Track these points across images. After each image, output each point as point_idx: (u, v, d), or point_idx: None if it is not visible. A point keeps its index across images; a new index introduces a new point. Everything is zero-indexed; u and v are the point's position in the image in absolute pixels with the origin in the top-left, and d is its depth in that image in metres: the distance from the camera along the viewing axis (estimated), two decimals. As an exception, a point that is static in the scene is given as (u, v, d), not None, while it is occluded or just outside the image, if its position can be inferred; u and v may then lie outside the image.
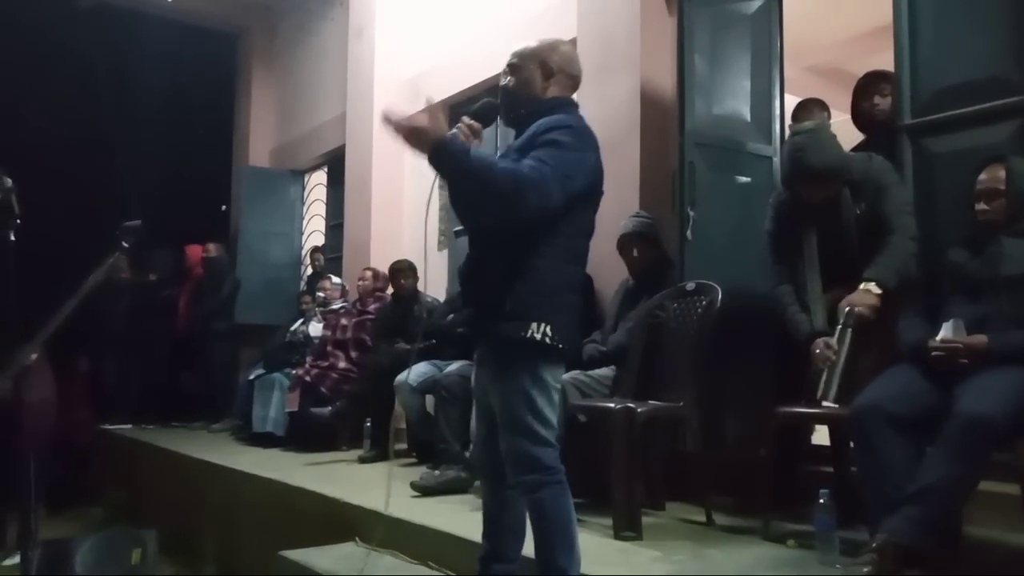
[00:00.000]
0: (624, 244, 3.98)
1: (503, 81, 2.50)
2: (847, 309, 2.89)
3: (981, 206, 2.71)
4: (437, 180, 2.35)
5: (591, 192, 2.38)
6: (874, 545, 2.34)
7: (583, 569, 2.35)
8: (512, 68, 2.48)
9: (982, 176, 2.73)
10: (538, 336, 2.24)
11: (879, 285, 2.91)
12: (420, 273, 5.59)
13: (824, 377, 2.85)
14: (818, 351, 2.95)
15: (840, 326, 2.87)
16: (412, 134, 2.21)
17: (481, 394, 2.47)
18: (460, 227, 2.78)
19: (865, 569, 2.31)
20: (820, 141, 3.14)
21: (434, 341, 5.02)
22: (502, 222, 2.25)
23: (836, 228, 3.16)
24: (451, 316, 4.96)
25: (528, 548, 2.48)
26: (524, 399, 2.26)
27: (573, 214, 2.31)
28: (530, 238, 2.27)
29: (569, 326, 2.34)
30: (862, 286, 2.93)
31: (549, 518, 2.28)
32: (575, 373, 3.76)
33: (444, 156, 2.18)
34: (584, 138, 2.35)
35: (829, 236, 3.17)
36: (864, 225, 3.10)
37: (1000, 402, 2.32)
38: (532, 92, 2.44)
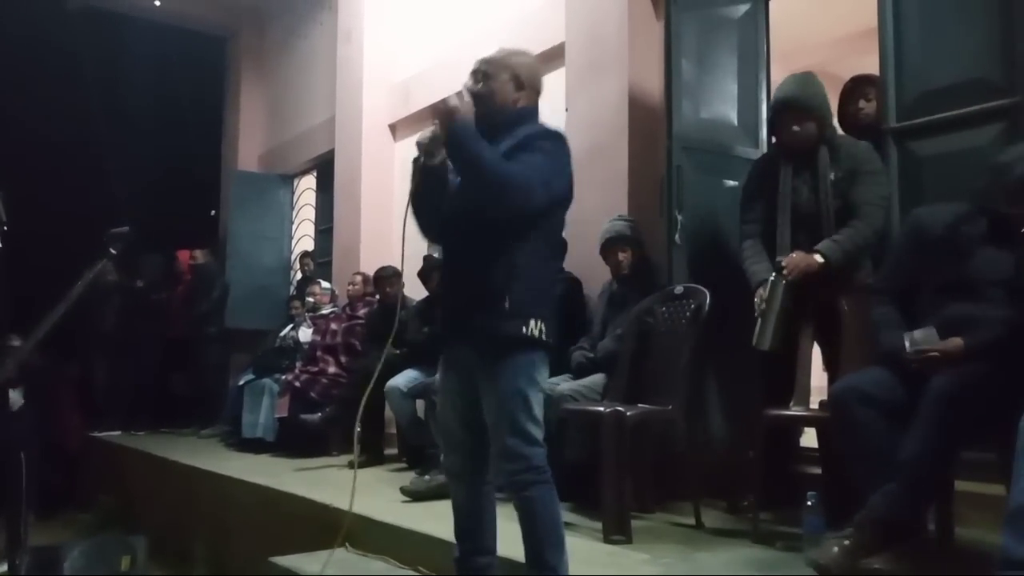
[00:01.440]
0: (609, 248, 3.96)
1: (472, 86, 2.49)
2: (779, 261, 3.11)
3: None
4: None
5: (569, 196, 2.50)
6: (854, 520, 2.36)
7: (572, 570, 2.37)
8: (484, 76, 2.49)
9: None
10: (536, 333, 2.33)
11: (823, 256, 3.10)
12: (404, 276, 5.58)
13: (759, 326, 3.08)
14: (756, 299, 3.17)
15: (772, 277, 3.09)
16: (444, 112, 2.33)
17: (457, 396, 2.48)
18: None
19: (846, 542, 2.33)
20: (807, 80, 3.34)
21: (404, 350, 5.00)
22: (482, 218, 2.35)
23: (812, 185, 3.25)
24: (425, 329, 4.94)
25: (508, 549, 2.51)
26: (521, 400, 2.32)
27: (554, 214, 2.45)
28: (520, 237, 2.35)
29: (554, 321, 2.44)
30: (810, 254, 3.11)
31: (539, 517, 2.32)
32: (570, 382, 3.76)
33: (452, 137, 2.31)
34: (565, 146, 2.46)
35: (804, 193, 3.27)
36: (837, 194, 3.19)
37: (971, 379, 2.35)
38: (503, 102, 2.48)
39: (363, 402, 2.71)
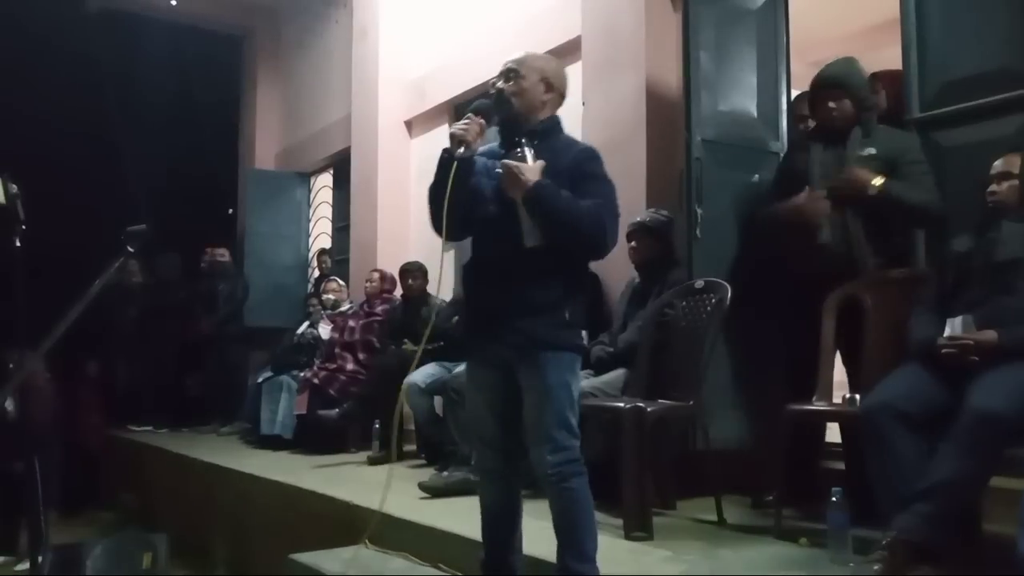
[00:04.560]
0: (629, 235, 3.94)
1: (503, 85, 2.51)
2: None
3: (992, 188, 2.73)
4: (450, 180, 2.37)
5: None
6: (885, 543, 2.33)
7: (594, 570, 2.37)
8: (514, 74, 2.51)
9: (997, 163, 2.75)
10: (584, 342, 2.49)
11: (883, 181, 3.11)
12: (431, 276, 5.57)
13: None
14: None
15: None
16: (511, 179, 2.35)
17: (496, 397, 2.48)
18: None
19: (876, 567, 2.30)
20: (848, 61, 3.42)
21: (442, 343, 5.00)
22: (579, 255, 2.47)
23: (839, 162, 3.29)
24: (455, 319, 4.94)
25: (530, 547, 2.50)
26: (567, 392, 2.38)
27: None
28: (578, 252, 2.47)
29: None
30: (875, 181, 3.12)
31: (580, 507, 2.38)
32: (589, 379, 3.74)
33: (537, 201, 2.32)
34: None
35: (830, 172, 3.29)
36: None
37: (1011, 398, 2.30)
38: (534, 103, 2.50)
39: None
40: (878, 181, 3.11)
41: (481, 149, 2.53)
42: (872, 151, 3.23)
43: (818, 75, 3.42)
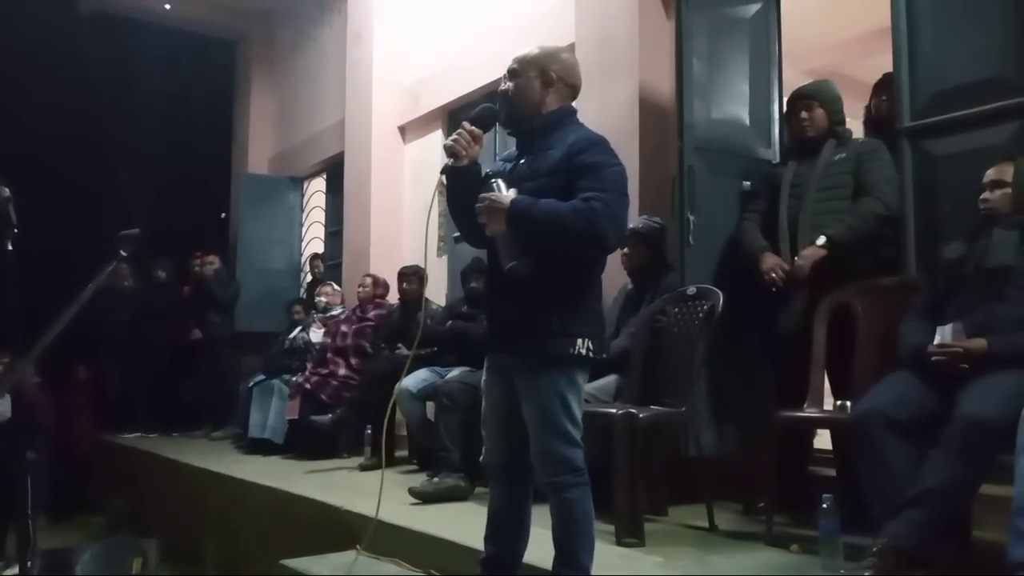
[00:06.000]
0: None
1: (503, 86, 2.53)
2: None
3: (984, 195, 2.75)
4: (437, 186, 2.37)
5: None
6: (875, 549, 2.33)
7: (586, 576, 2.36)
8: (512, 74, 2.50)
9: (990, 171, 2.77)
10: (583, 351, 2.34)
11: (829, 241, 3.23)
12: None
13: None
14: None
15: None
16: (487, 215, 2.32)
17: (497, 398, 2.49)
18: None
19: (866, 573, 2.31)
20: (819, 80, 3.76)
21: (435, 348, 5.01)
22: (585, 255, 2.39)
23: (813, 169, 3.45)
24: (450, 322, 4.94)
25: (533, 553, 2.49)
26: (560, 401, 2.33)
27: None
28: (573, 258, 2.36)
29: (603, 336, 2.49)
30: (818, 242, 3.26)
31: (576, 518, 2.35)
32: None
33: (516, 222, 2.29)
34: (615, 156, 2.42)
35: (806, 179, 3.46)
36: (838, 172, 3.40)
37: (1001, 404, 2.31)
38: (531, 100, 2.48)
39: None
40: (820, 240, 3.26)
41: (503, 155, 2.61)
42: (843, 155, 3.40)
43: (793, 92, 3.65)
